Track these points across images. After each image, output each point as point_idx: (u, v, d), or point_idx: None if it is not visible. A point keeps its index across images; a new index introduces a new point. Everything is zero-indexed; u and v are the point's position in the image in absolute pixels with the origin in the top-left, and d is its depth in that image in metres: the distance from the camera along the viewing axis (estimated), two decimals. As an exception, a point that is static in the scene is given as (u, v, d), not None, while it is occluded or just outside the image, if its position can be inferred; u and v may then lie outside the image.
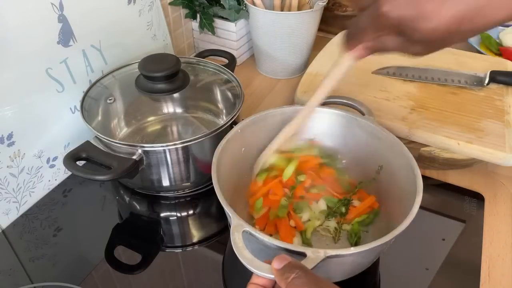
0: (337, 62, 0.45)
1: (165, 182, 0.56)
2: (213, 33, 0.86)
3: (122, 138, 0.59)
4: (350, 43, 0.42)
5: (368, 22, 0.38)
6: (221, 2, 0.83)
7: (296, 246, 0.37)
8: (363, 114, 0.56)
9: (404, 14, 0.35)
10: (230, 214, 0.40)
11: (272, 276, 0.34)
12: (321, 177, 0.56)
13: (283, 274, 0.33)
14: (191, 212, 0.59)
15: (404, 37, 0.37)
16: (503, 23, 0.37)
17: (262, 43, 0.82)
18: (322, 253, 0.36)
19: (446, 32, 0.34)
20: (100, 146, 0.52)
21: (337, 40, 0.83)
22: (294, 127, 0.53)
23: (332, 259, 0.36)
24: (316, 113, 0.56)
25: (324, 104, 0.58)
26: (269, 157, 0.54)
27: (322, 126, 0.57)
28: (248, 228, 0.38)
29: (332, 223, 0.52)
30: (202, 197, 0.60)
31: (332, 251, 0.36)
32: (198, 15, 0.87)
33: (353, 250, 0.37)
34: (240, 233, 0.38)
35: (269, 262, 0.35)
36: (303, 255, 0.36)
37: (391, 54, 0.41)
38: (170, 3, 0.81)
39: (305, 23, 0.78)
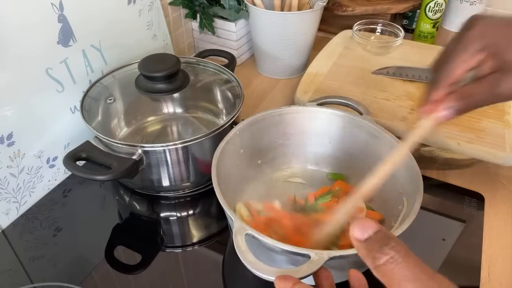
0: (416, 127, 0.39)
1: (165, 182, 0.56)
2: (213, 33, 0.86)
3: (122, 138, 0.59)
4: (432, 96, 0.37)
5: (458, 54, 0.34)
6: (221, 2, 0.83)
7: (300, 248, 0.37)
8: (361, 114, 0.56)
9: (500, 33, 0.32)
10: (232, 217, 0.39)
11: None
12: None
13: (370, 251, 0.25)
14: (191, 212, 0.59)
15: (498, 61, 0.33)
16: None
17: (262, 43, 0.82)
18: (325, 254, 0.36)
19: None
20: (100, 146, 0.52)
21: (337, 39, 0.83)
22: (360, 196, 0.43)
23: (335, 260, 0.36)
24: (314, 113, 0.56)
25: (322, 104, 0.58)
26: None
27: (320, 126, 0.57)
28: (251, 231, 0.38)
29: None
30: (202, 197, 0.60)
31: (335, 252, 0.36)
32: (198, 15, 0.87)
33: (355, 251, 0.37)
34: (243, 236, 0.37)
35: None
36: (306, 256, 0.36)
37: (479, 108, 0.35)
38: (170, 3, 0.81)
39: (305, 23, 0.78)
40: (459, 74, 0.35)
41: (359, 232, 0.26)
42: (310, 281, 0.37)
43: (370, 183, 0.42)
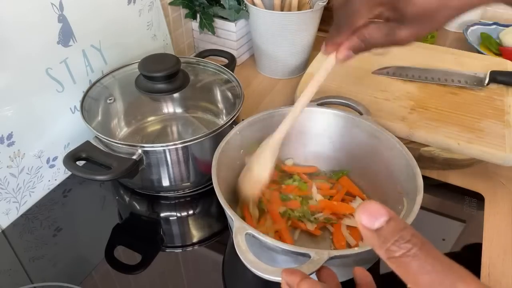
0: (322, 66, 0.44)
1: (165, 182, 0.56)
2: (213, 33, 0.86)
3: (122, 138, 0.59)
4: (335, 39, 0.39)
5: (362, 6, 0.36)
6: (221, 2, 0.83)
7: (300, 248, 0.37)
8: (361, 114, 0.56)
9: None
10: (232, 217, 0.39)
11: (279, 279, 0.34)
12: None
13: (383, 243, 0.23)
14: (191, 212, 0.59)
15: (395, 14, 0.36)
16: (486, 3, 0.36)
17: (262, 43, 0.82)
18: (325, 254, 0.36)
19: (438, 5, 0.34)
20: (100, 146, 0.52)
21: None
22: (280, 134, 0.47)
23: (335, 259, 0.36)
24: (314, 113, 0.56)
25: (322, 104, 0.58)
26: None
27: (320, 126, 0.57)
28: (251, 230, 0.38)
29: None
30: (202, 197, 0.60)
31: (335, 252, 0.36)
32: (198, 15, 0.87)
33: (356, 250, 0.37)
34: (243, 235, 0.37)
35: None
36: (307, 256, 0.36)
37: (372, 51, 0.39)
38: (170, 3, 0.81)
39: (305, 23, 0.78)
40: (361, 24, 0.37)
41: (368, 220, 0.23)
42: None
43: (288, 120, 0.47)
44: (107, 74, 0.63)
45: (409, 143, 0.59)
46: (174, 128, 0.61)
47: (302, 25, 0.78)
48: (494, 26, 0.93)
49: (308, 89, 0.46)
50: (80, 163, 0.51)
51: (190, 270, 0.51)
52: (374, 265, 0.47)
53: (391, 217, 0.23)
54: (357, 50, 0.39)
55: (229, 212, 0.40)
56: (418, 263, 0.22)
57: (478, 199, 0.58)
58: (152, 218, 0.58)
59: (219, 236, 0.55)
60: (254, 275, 0.35)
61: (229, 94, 0.62)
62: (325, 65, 0.43)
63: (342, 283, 0.34)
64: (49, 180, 0.61)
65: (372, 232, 0.23)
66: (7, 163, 0.53)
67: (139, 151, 0.51)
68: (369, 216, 0.23)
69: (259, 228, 0.50)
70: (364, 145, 0.54)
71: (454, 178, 0.62)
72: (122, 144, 0.51)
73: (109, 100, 0.60)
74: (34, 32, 0.53)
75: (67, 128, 0.61)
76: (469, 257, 0.51)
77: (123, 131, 0.60)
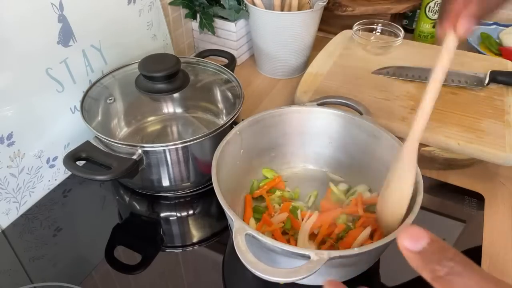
0: (443, 47, 0.40)
1: (165, 182, 0.56)
2: (213, 33, 0.86)
3: (122, 138, 0.59)
4: (450, 13, 0.36)
5: None
6: (221, 2, 0.83)
7: (299, 248, 0.37)
8: (361, 114, 0.56)
9: None
10: (232, 218, 0.39)
11: (278, 280, 0.34)
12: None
13: (427, 264, 0.23)
14: (191, 212, 0.59)
15: None
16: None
17: (262, 43, 0.82)
18: (325, 254, 0.35)
19: None
20: (100, 146, 0.52)
21: (337, 39, 0.83)
22: (414, 138, 0.43)
23: (335, 260, 0.36)
24: (314, 113, 0.56)
25: (322, 104, 0.58)
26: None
27: (320, 126, 0.57)
28: (251, 231, 0.38)
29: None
30: (202, 197, 0.60)
31: (335, 252, 0.36)
32: (198, 15, 0.87)
33: (356, 251, 0.37)
34: (243, 236, 0.37)
35: None
36: (306, 257, 0.36)
37: (493, 12, 0.36)
38: (170, 3, 0.81)
39: (305, 23, 0.78)
40: None
41: (410, 243, 0.24)
42: (309, 281, 0.37)
43: (421, 121, 0.43)
44: (107, 74, 0.63)
45: (409, 143, 0.59)
46: (174, 128, 0.61)
47: (302, 25, 0.78)
48: (494, 26, 0.93)
49: (432, 84, 0.43)
50: (80, 163, 0.51)
51: (190, 270, 0.51)
52: (373, 267, 0.47)
53: (432, 238, 0.24)
54: (478, 17, 0.36)
55: (229, 212, 0.40)
56: (463, 281, 0.22)
57: (478, 199, 0.58)
58: (152, 218, 0.58)
59: (219, 236, 0.55)
60: (254, 275, 0.35)
61: (229, 94, 0.62)
62: (445, 48, 0.39)
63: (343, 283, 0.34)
64: (49, 180, 0.61)
65: (415, 254, 0.24)
66: (7, 163, 0.53)
67: (139, 151, 0.51)
68: (411, 239, 0.24)
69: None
70: (364, 145, 0.54)
71: (454, 178, 0.62)
72: (122, 144, 0.51)
73: (109, 100, 0.60)
74: (34, 32, 0.53)
75: (67, 128, 0.61)
76: (469, 257, 0.51)
77: (123, 131, 0.60)
